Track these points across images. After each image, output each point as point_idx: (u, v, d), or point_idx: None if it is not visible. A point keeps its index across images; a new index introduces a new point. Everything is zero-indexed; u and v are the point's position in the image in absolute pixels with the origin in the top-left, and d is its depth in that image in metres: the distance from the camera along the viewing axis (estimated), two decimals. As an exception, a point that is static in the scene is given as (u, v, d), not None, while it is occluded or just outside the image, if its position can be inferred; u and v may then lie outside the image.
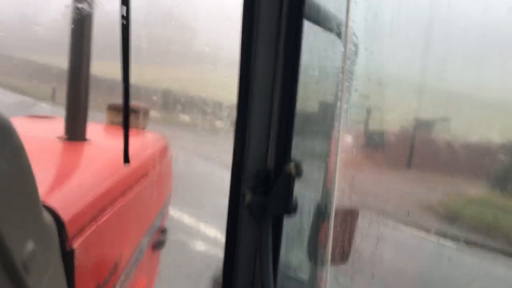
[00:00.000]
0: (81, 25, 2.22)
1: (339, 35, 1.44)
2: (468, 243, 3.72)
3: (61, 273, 1.25)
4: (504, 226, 4.14)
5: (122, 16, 1.45)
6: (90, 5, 2.13)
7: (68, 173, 2.06)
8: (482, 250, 4.10)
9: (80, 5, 2.13)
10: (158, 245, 2.94)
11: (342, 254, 1.61)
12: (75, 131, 2.42)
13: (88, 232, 1.61)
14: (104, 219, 1.79)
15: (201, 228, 6.53)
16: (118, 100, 1.65)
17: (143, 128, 3.15)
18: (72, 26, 2.22)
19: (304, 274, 1.72)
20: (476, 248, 4.07)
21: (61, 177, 1.95)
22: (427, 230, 4.39)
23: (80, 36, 2.26)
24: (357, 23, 1.36)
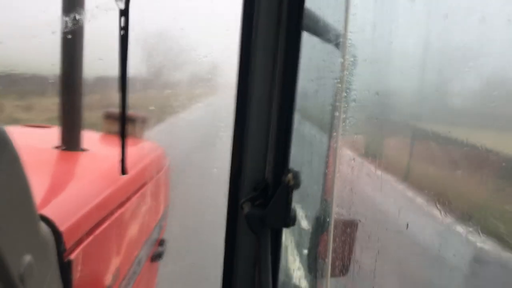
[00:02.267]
0: (73, 34, 2.22)
1: (337, 46, 1.45)
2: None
3: (58, 284, 1.24)
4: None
5: (121, 27, 1.45)
6: (81, 13, 2.14)
7: (65, 184, 2.05)
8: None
9: (71, 14, 2.14)
10: (156, 257, 2.93)
11: (342, 267, 1.60)
12: (71, 141, 2.41)
13: (85, 243, 1.60)
14: (101, 230, 1.78)
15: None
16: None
17: (140, 137, 3.14)
18: (64, 35, 2.21)
19: (303, 286, 1.71)
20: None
21: (58, 187, 1.94)
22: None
23: (72, 44, 2.26)
24: (355, 34, 1.36)
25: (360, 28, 1.37)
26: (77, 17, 2.14)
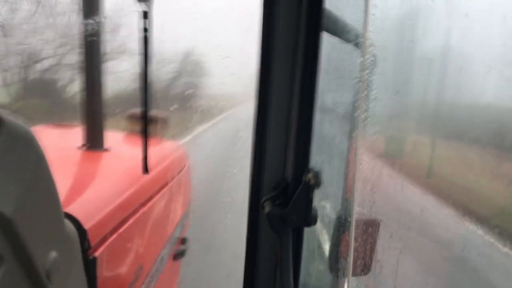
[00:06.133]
0: (93, 35, 2.26)
1: (357, 45, 1.44)
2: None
3: (83, 281, 1.27)
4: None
5: (143, 29, 1.48)
6: (101, 16, 2.18)
7: (89, 183, 2.09)
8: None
9: (91, 16, 2.18)
10: (178, 255, 2.96)
11: (364, 266, 1.60)
12: (94, 140, 2.45)
13: (109, 240, 1.63)
14: (125, 228, 1.81)
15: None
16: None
17: (162, 137, 3.17)
18: (84, 36, 2.25)
19: (325, 286, 1.71)
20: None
21: (82, 186, 1.98)
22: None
23: (92, 45, 2.30)
24: (375, 34, 1.35)
25: (380, 28, 1.37)
26: (97, 19, 2.18)
